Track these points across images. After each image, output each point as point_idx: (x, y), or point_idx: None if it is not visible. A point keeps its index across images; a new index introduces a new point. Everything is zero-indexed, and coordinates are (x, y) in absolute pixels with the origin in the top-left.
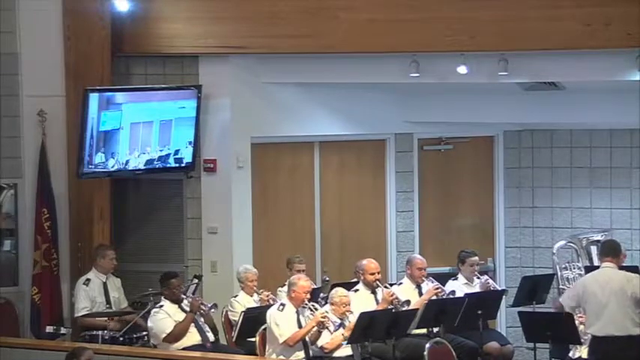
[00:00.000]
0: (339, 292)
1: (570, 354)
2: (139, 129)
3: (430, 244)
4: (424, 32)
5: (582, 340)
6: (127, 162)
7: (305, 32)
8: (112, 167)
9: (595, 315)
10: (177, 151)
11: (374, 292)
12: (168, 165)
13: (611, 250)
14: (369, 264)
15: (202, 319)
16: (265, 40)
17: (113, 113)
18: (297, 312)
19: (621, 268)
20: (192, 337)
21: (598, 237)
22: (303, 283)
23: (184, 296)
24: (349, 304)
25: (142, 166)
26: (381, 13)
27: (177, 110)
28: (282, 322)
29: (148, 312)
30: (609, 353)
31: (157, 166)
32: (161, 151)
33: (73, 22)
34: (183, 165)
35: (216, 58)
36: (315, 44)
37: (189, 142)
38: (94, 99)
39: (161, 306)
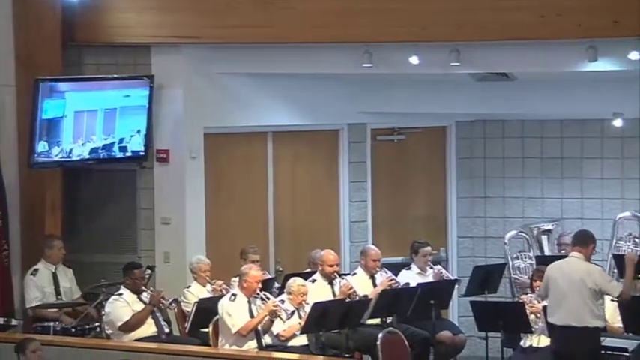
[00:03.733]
0: (297, 281)
1: (522, 342)
2: (84, 117)
3: (383, 234)
4: (377, 23)
5: (533, 329)
6: (71, 151)
7: (258, 22)
8: (57, 156)
9: (556, 304)
10: (121, 140)
11: (331, 284)
12: (113, 154)
13: (579, 240)
14: (328, 255)
15: (159, 312)
16: (218, 30)
17: (56, 101)
18: (249, 301)
19: None
20: (149, 328)
21: (549, 227)
22: (254, 272)
23: (144, 288)
24: (306, 294)
25: (86, 155)
26: (334, 3)
27: (121, 99)
28: (234, 312)
29: (101, 303)
30: (568, 343)
31: (102, 155)
32: (105, 139)
33: (23, 10)
34: (128, 154)
35: (168, 48)
36: (269, 34)
37: (137, 131)
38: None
39: (120, 294)
